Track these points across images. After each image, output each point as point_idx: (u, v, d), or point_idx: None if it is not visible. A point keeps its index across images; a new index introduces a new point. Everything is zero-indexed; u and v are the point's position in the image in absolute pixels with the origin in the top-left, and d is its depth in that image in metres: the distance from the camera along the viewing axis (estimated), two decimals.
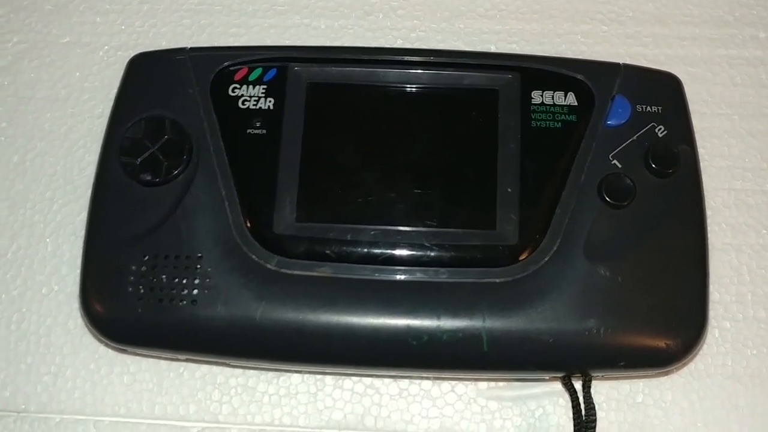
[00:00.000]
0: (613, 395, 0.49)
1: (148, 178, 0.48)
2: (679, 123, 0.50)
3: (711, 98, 0.55)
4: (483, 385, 0.49)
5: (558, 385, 0.49)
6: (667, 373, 0.49)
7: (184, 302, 0.46)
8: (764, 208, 0.53)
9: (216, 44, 0.56)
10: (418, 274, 0.47)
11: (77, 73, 0.57)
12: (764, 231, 0.52)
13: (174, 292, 0.46)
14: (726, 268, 0.51)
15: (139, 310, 0.46)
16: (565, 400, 0.49)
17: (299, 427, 0.49)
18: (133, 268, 0.46)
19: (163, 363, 0.50)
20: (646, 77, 0.51)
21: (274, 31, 0.57)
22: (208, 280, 0.46)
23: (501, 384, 0.49)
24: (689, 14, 0.57)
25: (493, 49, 0.56)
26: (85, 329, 0.50)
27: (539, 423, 0.49)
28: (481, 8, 0.58)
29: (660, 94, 0.50)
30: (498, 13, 0.57)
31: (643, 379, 0.50)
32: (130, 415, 0.49)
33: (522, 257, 0.47)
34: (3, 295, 0.51)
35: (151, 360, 0.50)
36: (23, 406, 0.49)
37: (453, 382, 0.49)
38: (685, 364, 0.49)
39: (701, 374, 0.50)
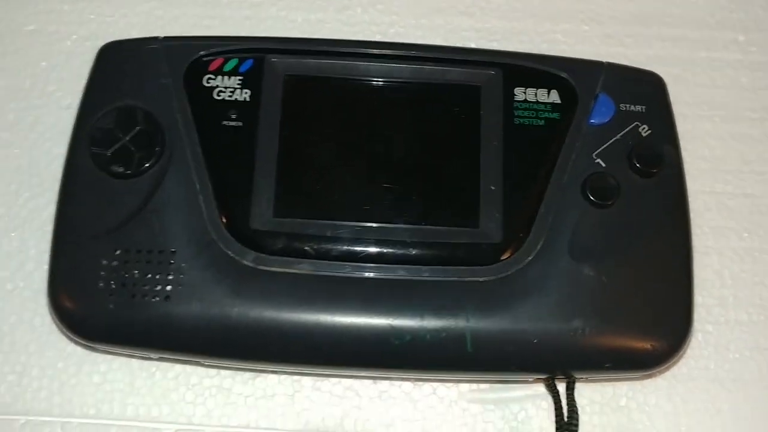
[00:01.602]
0: (596, 398, 0.48)
1: (120, 169, 0.46)
2: (663, 123, 0.49)
3: (692, 99, 0.55)
4: (465, 387, 0.48)
5: (541, 388, 0.48)
6: (650, 377, 0.49)
7: (157, 298, 0.44)
8: (745, 211, 0.52)
9: (189, 35, 0.54)
10: (400, 272, 0.45)
11: (43, 63, 0.54)
12: (746, 234, 0.52)
13: (146, 287, 0.44)
14: (708, 272, 0.51)
15: (111, 306, 0.44)
16: (548, 402, 0.48)
17: (276, 429, 0.47)
18: (104, 262, 0.44)
19: (135, 362, 0.48)
20: (629, 76, 0.51)
21: (249, 23, 0.56)
22: (182, 275, 0.44)
23: (483, 386, 0.48)
24: (670, 15, 0.57)
25: (473, 46, 0.55)
26: (52, 327, 0.48)
27: (522, 426, 0.48)
28: (462, 5, 0.57)
29: (643, 93, 0.50)
30: (478, 11, 0.57)
31: (626, 383, 0.49)
32: (100, 416, 0.47)
33: (505, 256, 0.46)
34: None
35: (122, 359, 0.48)
36: None
37: (434, 385, 0.48)
38: (668, 368, 0.48)
39: (684, 378, 0.49)
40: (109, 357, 0.48)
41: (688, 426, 0.48)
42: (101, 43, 0.51)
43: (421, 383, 0.48)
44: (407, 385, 0.48)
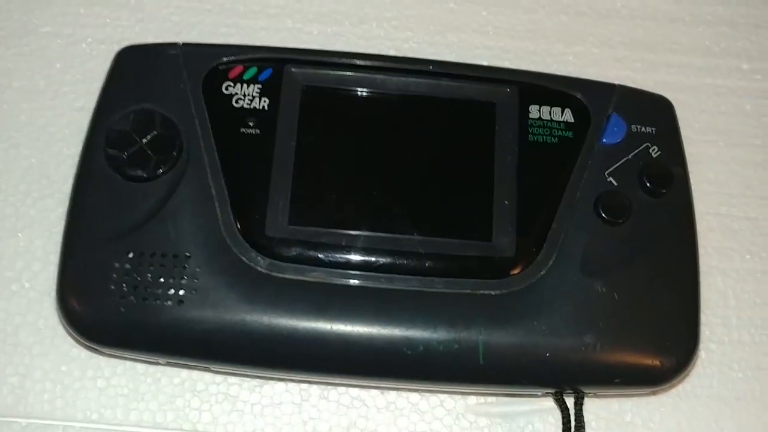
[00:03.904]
0: (602, 414, 0.49)
1: (136, 173, 0.46)
2: (672, 145, 0.50)
3: (697, 125, 0.56)
4: (472, 400, 0.48)
5: (548, 402, 0.48)
6: (655, 393, 0.49)
7: (170, 302, 0.44)
8: (748, 234, 0.53)
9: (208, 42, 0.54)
10: (413, 283, 0.45)
11: (57, 65, 0.54)
12: (748, 256, 0.53)
13: (159, 291, 0.44)
14: (712, 291, 0.52)
15: (122, 309, 0.43)
16: (554, 417, 0.48)
17: None
18: (117, 265, 0.44)
19: (140, 367, 0.47)
20: (640, 98, 0.52)
21: (265, 33, 0.56)
22: (195, 280, 0.44)
23: (490, 399, 0.49)
24: (677, 42, 0.58)
25: (485, 64, 0.56)
26: (57, 329, 0.47)
27: None
28: (475, 23, 0.57)
29: (653, 115, 0.51)
30: (492, 30, 0.57)
31: (631, 399, 0.49)
32: (103, 421, 0.46)
33: (518, 270, 0.46)
34: None
35: (127, 363, 0.47)
36: None
37: (442, 397, 0.48)
38: (673, 385, 0.49)
39: (688, 395, 0.50)
40: (114, 361, 0.47)
41: None
42: (117, 47, 0.51)
43: (428, 395, 0.48)
44: (414, 396, 0.48)
